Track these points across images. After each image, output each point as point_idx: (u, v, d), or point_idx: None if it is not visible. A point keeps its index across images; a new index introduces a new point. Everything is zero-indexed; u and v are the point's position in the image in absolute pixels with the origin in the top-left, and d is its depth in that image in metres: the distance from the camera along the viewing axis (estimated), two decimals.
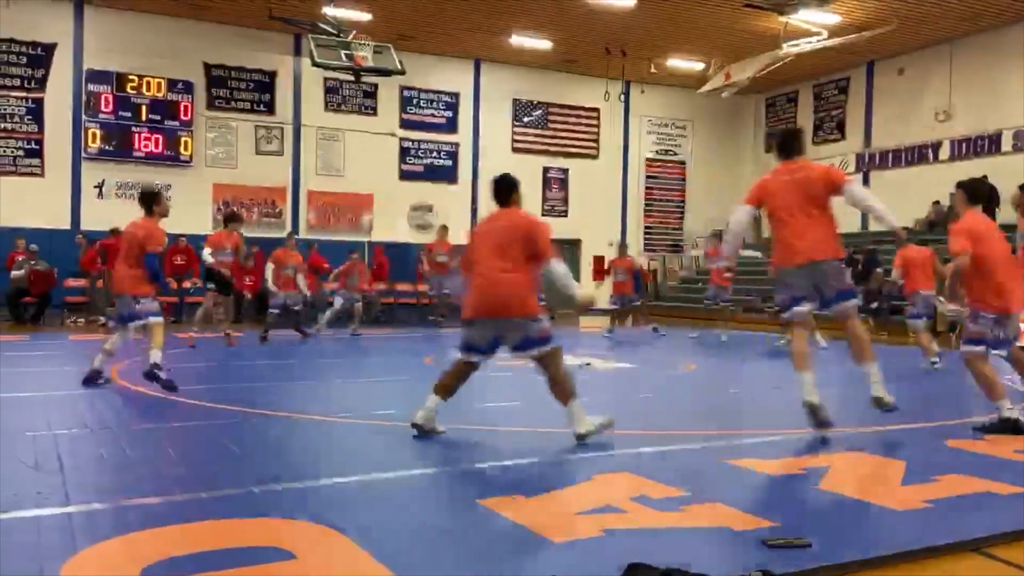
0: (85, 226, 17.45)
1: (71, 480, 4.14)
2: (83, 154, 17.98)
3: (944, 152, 19.81)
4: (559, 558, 3.02)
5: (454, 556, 3.16)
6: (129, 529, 3.37)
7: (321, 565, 3.02)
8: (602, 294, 22.70)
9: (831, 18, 17.44)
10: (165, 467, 4.48)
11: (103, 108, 18.10)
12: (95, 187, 18.08)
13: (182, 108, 18.73)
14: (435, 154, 21.57)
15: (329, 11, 16.65)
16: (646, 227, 24.35)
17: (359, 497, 4.01)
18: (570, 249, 23.28)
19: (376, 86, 20.40)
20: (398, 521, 3.62)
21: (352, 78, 17.96)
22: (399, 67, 17.14)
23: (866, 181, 21.80)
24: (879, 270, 16.96)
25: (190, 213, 17.41)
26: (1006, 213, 18.45)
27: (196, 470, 4.43)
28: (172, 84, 18.66)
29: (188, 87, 18.83)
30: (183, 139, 18.74)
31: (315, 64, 16.66)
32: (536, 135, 22.77)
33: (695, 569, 2.79)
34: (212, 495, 3.88)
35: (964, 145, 19.38)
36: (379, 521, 3.59)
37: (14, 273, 15.13)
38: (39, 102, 17.74)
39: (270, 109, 19.80)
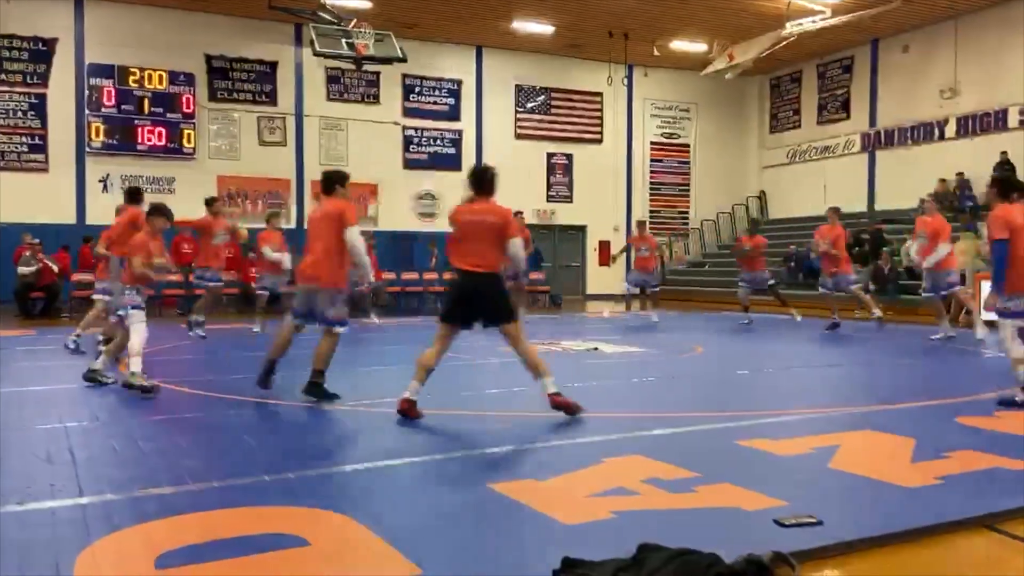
0: (91, 220, 17.48)
1: (84, 472, 4.16)
2: (87, 148, 18.00)
3: (950, 129, 19.69)
4: (571, 540, 3.03)
5: (466, 540, 3.18)
6: (143, 519, 3.39)
7: (335, 551, 3.04)
8: (608, 279, 22.82)
9: None
10: (177, 458, 4.50)
11: (105, 102, 18.10)
12: (100, 181, 18.10)
13: (184, 100, 18.72)
14: (439, 142, 21.53)
15: None
16: (651, 211, 24.28)
17: (371, 484, 4.03)
18: (576, 235, 23.30)
19: (378, 74, 20.34)
20: (410, 507, 3.63)
21: (354, 67, 17.93)
22: (400, 55, 17.09)
23: (872, 160, 21.72)
24: (886, 250, 16.92)
25: (194, 206, 17.38)
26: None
27: (208, 460, 4.45)
28: (173, 76, 18.64)
29: (190, 79, 18.81)
30: (186, 131, 18.74)
31: (316, 53, 16.62)
32: (539, 121, 22.68)
33: (707, 549, 2.79)
34: (225, 484, 3.90)
35: (971, 122, 19.25)
36: (391, 507, 3.61)
37: (21, 268, 15.18)
38: (42, 97, 17.76)
39: (272, 100, 19.78)
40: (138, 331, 6.66)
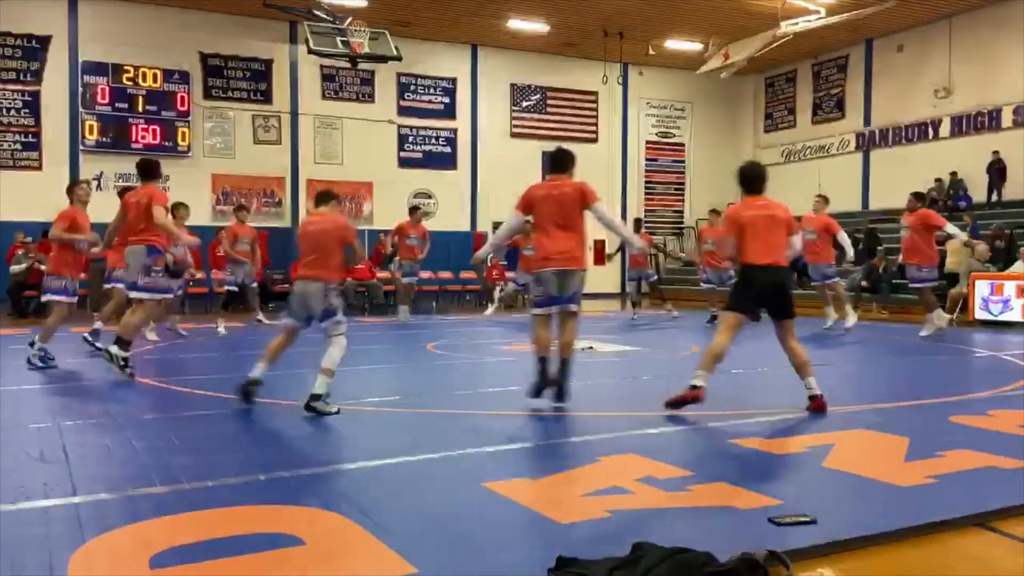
0: None
1: (77, 471, 4.15)
2: (81, 146, 17.95)
3: (944, 129, 19.74)
4: (565, 539, 3.03)
5: (461, 539, 3.17)
6: (137, 518, 3.38)
7: (330, 550, 3.03)
8: (604, 277, 22.85)
9: None
10: (171, 457, 4.49)
11: (100, 100, 18.05)
12: (94, 179, 18.00)
13: (179, 98, 18.67)
14: (433, 140, 21.51)
15: None
16: (647, 210, 24.29)
17: (366, 483, 4.03)
18: None
19: (373, 73, 20.32)
20: (404, 505, 3.63)
21: (349, 65, 17.90)
22: (395, 53, 17.09)
23: (866, 159, 21.77)
24: (880, 249, 16.95)
25: (189, 204, 17.33)
26: (1011, 191, 18.40)
27: (203, 459, 4.44)
28: (168, 74, 18.59)
29: (184, 77, 18.76)
30: (180, 130, 18.70)
31: (311, 51, 16.61)
32: (535, 120, 22.68)
33: (701, 548, 2.80)
34: (219, 483, 3.89)
35: (964, 121, 19.31)
36: (386, 506, 3.60)
37: (13, 268, 15.12)
38: (35, 95, 17.70)
39: (267, 98, 19.73)
40: (341, 345, 5.77)
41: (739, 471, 4.12)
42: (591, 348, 10.05)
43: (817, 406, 5.58)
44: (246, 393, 5.75)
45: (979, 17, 18.75)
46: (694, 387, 5.53)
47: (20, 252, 15.22)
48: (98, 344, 8.73)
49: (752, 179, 5.93)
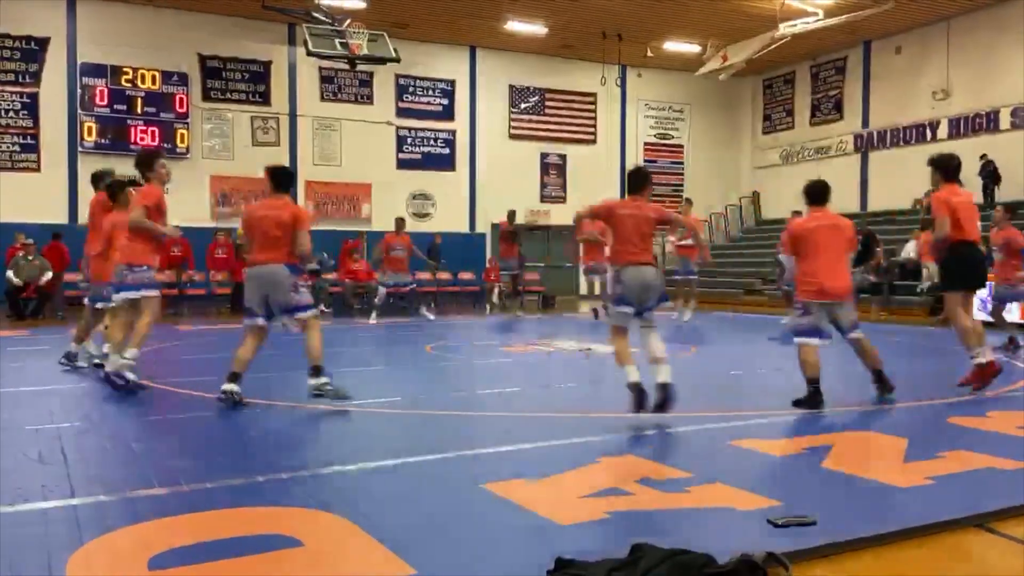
0: (83, 221, 17.38)
1: (76, 473, 4.14)
2: (79, 148, 17.92)
3: (942, 131, 19.75)
4: (565, 540, 3.03)
5: (459, 540, 3.17)
6: (135, 520, 3.38)
7: (328, 552, 3.03)
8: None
9: None
10: (170, 458, 4.49)
11: (98, 102, 18.03)
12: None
13: (177, 100, 18.65)
14: (432, 142, 21.51)
15: None
16: None
17: (365, 484, 4.03)
18: (570, 235, 23.26)
19: (372, 75, 20.31)
20: (404, 507, 3.63)
21: (347, 67, 17.90)
22: (394, 55, 17.09)
23: (864, 161, 21.79)
24: (879, 249, 16.97)
25: (187, 205, 17.33)
26: (1010, 192, 18.44)
27: (201, 461, 4.44)
28: (167, 76, 18.58)
29: (183, 79, 18.75)
30: (179, 131, 18.68)
31: (310, 53, 16.59)
32: (533, 121, 22.68)
33: (700, 549, 2.80)
34: (218, 485, 3.88)
35: (962, 123, 19.32)
36: (385, 507, 3.60)
37: (9, 273, 15.07)
38: (34, 97, 17.68)
39: (266, 100, 19.72)
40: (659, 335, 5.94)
41: (738, 472, 4.12)
42: (590, 350, 10.06)
43: (987, 373, 6.39)
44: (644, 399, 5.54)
45: (977, 19, 18.76)
46: (983, 364, 6.30)
47: (20, 254, 15.18)
48: (80, 363, 7.66)
49: (955, 170, 6.76)
